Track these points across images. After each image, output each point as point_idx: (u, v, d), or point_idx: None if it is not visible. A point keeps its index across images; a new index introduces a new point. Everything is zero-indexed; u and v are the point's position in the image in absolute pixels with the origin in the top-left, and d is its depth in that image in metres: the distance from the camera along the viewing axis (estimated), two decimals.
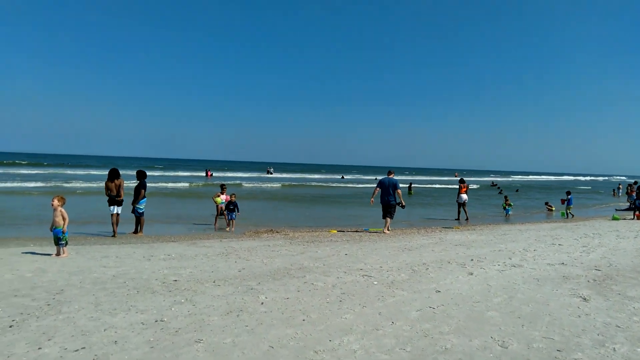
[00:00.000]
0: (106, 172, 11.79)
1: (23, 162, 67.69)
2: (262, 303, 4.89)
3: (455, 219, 17.02)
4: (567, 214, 19.20)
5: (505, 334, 4.00)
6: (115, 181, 11.24)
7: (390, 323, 4.24)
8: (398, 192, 12.58)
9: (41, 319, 4.20)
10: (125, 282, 5.77)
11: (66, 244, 7.68)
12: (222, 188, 14.82)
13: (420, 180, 56.61)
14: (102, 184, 11.78)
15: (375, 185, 13.09)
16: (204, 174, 54.61)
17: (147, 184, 12.16)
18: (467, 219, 16.87)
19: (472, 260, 7.64)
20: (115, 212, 11.07)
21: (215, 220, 14.18)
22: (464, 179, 18.63)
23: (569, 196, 19.47)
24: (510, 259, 7.77)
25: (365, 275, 6.34)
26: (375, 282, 5.94)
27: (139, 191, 11.50)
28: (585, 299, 5.20)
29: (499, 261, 7.52)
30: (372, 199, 13.02)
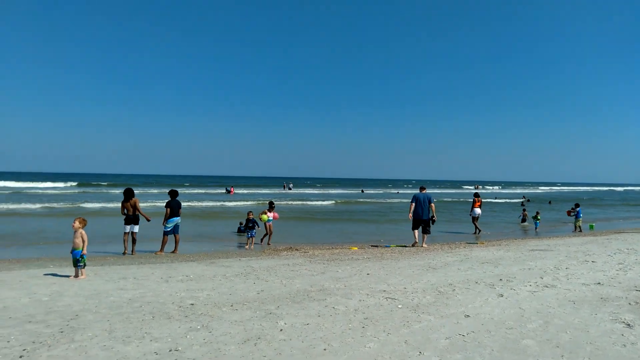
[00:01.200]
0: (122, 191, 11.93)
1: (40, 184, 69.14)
2: (281, 330, 4.66)
3: (474, 233, 16.82)
4: (575, 227, 18.23)
5: None
6: (130, 201, 11.35)
7: (418, 353, 3.96)
8: (432, 207, 12.98)
9: (53, 348, 4.05)
10: (141, 307, 5.62)
11: (84, 265, 7.61)
12: (271, 205, 14.14)
13: (441, 194, 55.86)
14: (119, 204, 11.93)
15: (410, 200, 13.32)
16: (224, 190, 54.95)
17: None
18: (479, 231, 16.81)
19: (500, 280, 7.27)
20: (128, 230, 11.24)
21: (262, 239, 13.76)
22: (479, 192, 18.49)
23: (577, 209, 18.32)
24: (542, 278, 7.37)
25: (389, 298, 6.06)
26: (400, 306, 5.65)
27: (165, 210, 11.57)
28: (628, 324, 4.81)
29: (530, 281, 7.13)
30: (411, 214, 13.09)
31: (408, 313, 5.31)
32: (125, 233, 11.22)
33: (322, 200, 40.43)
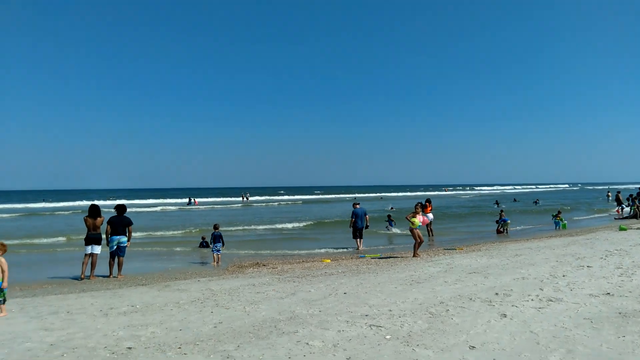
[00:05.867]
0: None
1: None
2: None
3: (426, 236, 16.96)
4: (504, 230, 18.46)
5: None
6: (97, 220, 10.08)
7: None
8: (367, 218, 15.19)
9: None
10: (62, 355, 4.40)
11: (4, 301, 6.25)
12: (418, 208, 11.67)
13: (398, 198, 55.78)
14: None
15: (350, 216, 15.07)
16: (186, 201, 53.11)
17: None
18: (432, 235, 17.45)
19: (497, 294, 6.37)
20: (90, 252, 9.85)
21: (415, 247, 11.44)
22: (430, 199, 18.61)
23: (504, 218, 18.73)
24: (542, 290, 6.51)
25: (374, 326, 5.04)
26: (388, 336, 4.63)
27: (106, 227, 10.18)
28: None
29: (530, 294, 6.27)
30: (350, 226, 14.98)
31: (400, 347, 4.30)
32: (85, 254, 9.83)
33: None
